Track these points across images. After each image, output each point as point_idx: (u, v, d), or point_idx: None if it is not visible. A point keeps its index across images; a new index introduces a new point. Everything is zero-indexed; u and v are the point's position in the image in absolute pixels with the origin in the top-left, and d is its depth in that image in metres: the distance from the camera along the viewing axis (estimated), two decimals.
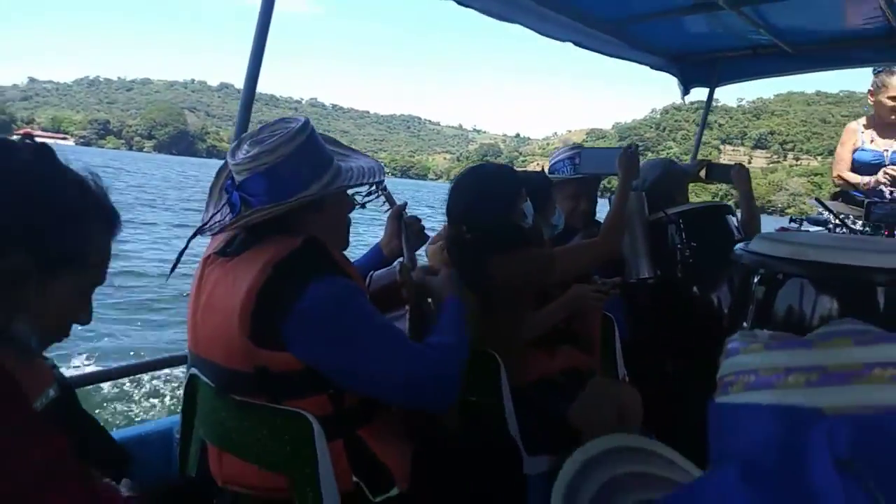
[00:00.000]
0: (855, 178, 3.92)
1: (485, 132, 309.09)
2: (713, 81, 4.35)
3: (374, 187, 1.94)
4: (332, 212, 1.65)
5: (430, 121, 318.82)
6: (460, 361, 1.59)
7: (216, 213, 1.64)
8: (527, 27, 3.15)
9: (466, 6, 2.69)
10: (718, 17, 3.51)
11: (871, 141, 3.98)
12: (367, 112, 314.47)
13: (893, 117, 3.85)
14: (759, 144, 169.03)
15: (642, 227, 2.86)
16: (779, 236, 1.93)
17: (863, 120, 4.06)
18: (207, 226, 1.62)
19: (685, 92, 4.40)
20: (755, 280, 1.88)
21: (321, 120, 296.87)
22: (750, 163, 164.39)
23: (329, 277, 1.47)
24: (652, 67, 4.24)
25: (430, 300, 1.86)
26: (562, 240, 2.74)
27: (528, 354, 2.30)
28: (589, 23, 3.52)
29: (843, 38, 3.85)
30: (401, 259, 1.98)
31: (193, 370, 1.65)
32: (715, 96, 4.62)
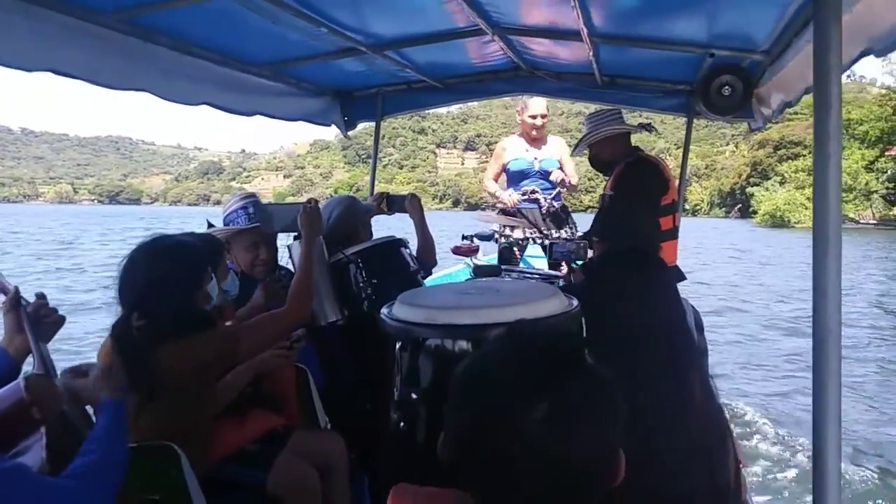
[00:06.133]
0: (493, 187, 5.03)
1: (207, 150, 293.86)
2: (378, 115, 4.68)
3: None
4: None
5: (143, 141, 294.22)
6: (111, 478, 1.50)
7: None
8: (154, 94, 2.82)
9: (85, 81, 2.42)
10: (368, 59, 3.78)
11: (526, 150, 4.96)
12: (66, 135, 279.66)
13: (534, 132, 4.91)
14: (469, 147, 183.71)
15: (323, 271, 2.78)
16: (415, 299, 2.08)
17: (515, 135, 5.09)
18: None
19: (351, 126, 4.67)
20: (398, 345, 2.03)
21: (8, 147, 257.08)
22: (463, 164, 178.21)
23: None
24: (312, 121, 4.34)
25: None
26: (245, 291, 2.66)
27: (215, 429, 2.17)
28: (241, 69, 3.48)
29: (478, 73, 4.42)
30: (26, 372, 1.68)
31: None
32: None
